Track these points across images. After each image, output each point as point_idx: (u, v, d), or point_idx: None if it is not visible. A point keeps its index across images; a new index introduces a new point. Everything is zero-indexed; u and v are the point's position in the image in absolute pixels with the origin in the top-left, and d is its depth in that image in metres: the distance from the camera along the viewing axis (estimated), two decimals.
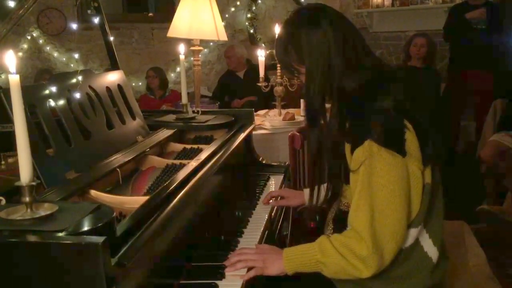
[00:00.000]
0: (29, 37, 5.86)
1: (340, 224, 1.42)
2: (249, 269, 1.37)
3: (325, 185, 1.55)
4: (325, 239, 1.33)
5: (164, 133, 2.00)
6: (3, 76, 4.51)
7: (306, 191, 1.74)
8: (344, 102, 1.34)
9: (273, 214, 1.87)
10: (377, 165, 1.24)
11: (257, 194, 2.02)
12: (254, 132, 2.42)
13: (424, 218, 1.33)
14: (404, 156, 1.25)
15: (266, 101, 4.25)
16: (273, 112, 3.69)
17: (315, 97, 1.36)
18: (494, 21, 4.36)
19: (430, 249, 1.37)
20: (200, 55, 2.87)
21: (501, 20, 4.40)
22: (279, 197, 1.93)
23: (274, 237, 1.78)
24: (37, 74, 5.48)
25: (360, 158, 1.27)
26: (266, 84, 3.56)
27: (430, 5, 5.33)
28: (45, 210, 1.03)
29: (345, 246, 1.28)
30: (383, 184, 1.24)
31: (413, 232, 1.33)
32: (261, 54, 3.54)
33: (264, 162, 2.38)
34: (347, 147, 1.32)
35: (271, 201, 1.91)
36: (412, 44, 4.74)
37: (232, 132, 2.08)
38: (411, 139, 1.26)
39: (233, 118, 2.23)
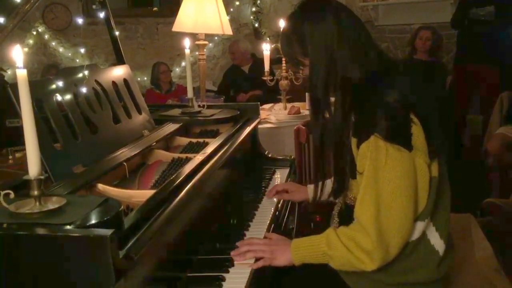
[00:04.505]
0: (34, 33, 5.87)
1: (346, 218, 1.42)
2: (258, 258, 1.39)
3: (331, 179, 1.55)
4: (332, 231, 1.34)
5: (170, 127, 2.00)
6: (9, 72, 4.52)
7: (310, 187, 1.75)
8: (349, 94, 1.33)
9: (279, 207, 1.88)
10: (383, 160, 1.24)
11: (263, 188, 2.03)
12: (259, 126, 2.42)
13: (431, 212, 1.33)
14: (411, 150, 1.25)
15: (272, 95, 4.25)
16: (279, 106, 3.69)
17: (318, 89, 1.36)
18: (502, 14, 4.33)
19: (437, 242, 1.37)
20: (205, 50, 2.87)
21: (508, 13, 4.37)
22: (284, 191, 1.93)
23: (280, 230, 1.79)
24: (44, 69, 5.50)
25: (366, 153, 1.26)
26: (271, 78, 3.56)
27: None
28: (53, 203, 1.04)
29: (351, 239, 1.29)
30: (390, 178, 1.24)
31: (420, 225, 1.33)
32: (266, 48, 3.54)
33: (269, 155, 2.38)
34: (353, 141, 1.32)
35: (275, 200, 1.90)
36: (417, 37, 4.71)
37: (238, 126, 2.08)
38: (417, 133, 1.26)
39: (238, 112, 2.23)
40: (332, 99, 1.39)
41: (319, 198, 1.57)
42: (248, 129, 2.09)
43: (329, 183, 1.56)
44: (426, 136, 1.27)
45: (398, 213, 1.25)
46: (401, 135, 1.25)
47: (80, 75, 1.68)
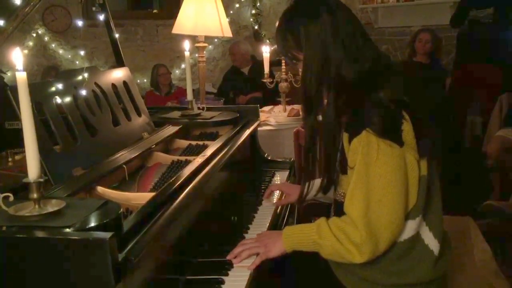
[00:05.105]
0: (34, 35, 5.86)
1: (339, 215, 1.42)
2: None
3: (318, 178, 1.55)
4: (324, 221, 1.35)
5: (170, 129, 2.01)
6: (9, 74, 4.52)
7: None
8: (343, 92, 1.33)
9: (278, 209, 1.88)
10: (375, 155, 1.24)
11: (263, 190, 2.02)
12: (259, 128, 2.42)
13: (422, 211, 1.34)
14: (402, 146, 1.25)
15: (271, 97, 4.25)
16: (278, 108, 3.69)
17: (311, 85, 1.36)
18: (501, 15, 4.34)
19: (431, 242, 1.37)
20: (204, 52, 2.87)
21: (507, 14, 4.38)
22: (280, 194, 1.92)
23: None
24: (44, 71, 5.50)
25: (357, 148, 1.27)
26: (271, 80, 3.56)
27: (435, 0, 5.30)
28: (52, 206, 1.04)
29: (341, 230, 1.30)
30: (381, 174, 1.25)
31: (412, 224, 1.33)
32: (265, 50, 3.55)
33: (269, 158, 2.38)
34: (345, 136, 1.32)
35: (274, 200, 1.90)
36: (417, 40, 4.71)
37: (238, 129, 2.09)
38: (407, 130, 1.26)
39: (238, 115, 2.23)
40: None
41: (305, 197, 1.56)
42: (247, 132, 2.09)
43: (316, 182, 1.56)
44: (416, 133, 1.27)
45: (388, 208, 1.25)
46: (392, 131, 1.26)
47: (80, 77, 1.68)
